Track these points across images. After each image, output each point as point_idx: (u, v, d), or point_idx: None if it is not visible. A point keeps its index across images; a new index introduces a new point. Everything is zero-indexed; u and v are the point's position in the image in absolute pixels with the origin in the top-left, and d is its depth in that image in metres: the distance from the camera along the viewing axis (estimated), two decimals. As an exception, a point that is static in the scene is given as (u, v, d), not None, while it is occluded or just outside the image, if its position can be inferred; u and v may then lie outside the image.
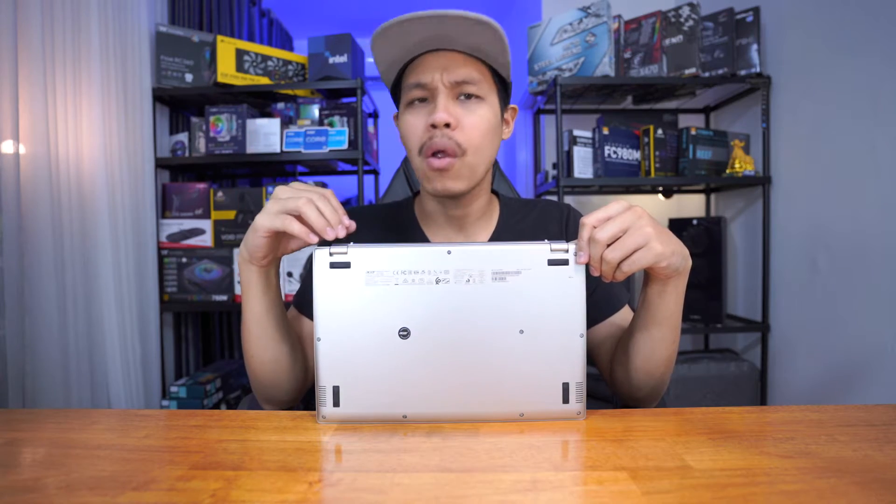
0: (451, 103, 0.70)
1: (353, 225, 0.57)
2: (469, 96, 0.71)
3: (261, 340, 0.65)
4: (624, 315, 0.77)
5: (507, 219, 0.83)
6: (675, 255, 0.56)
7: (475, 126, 0.70)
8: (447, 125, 0.68)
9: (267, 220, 0.57)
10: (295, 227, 0.56)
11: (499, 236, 0.81)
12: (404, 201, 0.87)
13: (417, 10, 0.66)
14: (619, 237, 0.54)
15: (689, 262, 0.59)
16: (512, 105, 0.79)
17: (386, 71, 0.74)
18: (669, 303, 0.61)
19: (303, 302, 0.77)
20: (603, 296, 0.76)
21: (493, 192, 0.86)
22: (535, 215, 0.84)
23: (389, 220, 0.84)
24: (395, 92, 0.77)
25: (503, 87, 0.76)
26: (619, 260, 0.54)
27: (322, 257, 0.55)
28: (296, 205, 0.56)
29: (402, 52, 0.70)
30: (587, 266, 0.55)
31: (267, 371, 0.67)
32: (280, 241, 0.62)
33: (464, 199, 0.76)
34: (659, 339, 0.63)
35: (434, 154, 0.70)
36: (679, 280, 0.60)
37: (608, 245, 0.54)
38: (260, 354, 0.66)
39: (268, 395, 0.69)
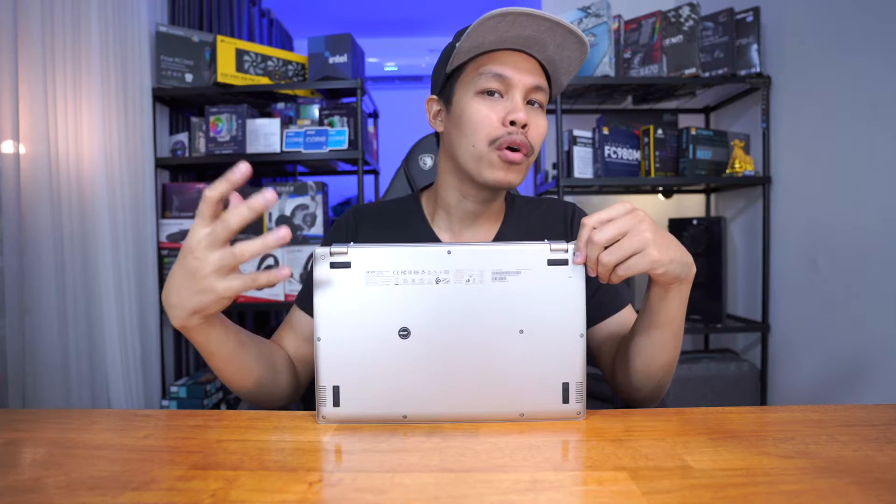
0: (524, 105, 0.72)
1: (284, 235, 0.51)
2: (533, 103, 0.74)
3: (240, 373, 0.63)
4: (625, 315, 0.77)
5: (511, 217, 0.83)
6: (672, 264, 0.55)
7: (539, 133, 0.74)
8: (524, 125, 0.71)
9: (225, 284, 0.52)
10: (262, 279, 0.52)
11: (503, 234, 0.81)
12: (410, 197, 0.88)
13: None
14: (618, 240, 0.54)
15: (693, 271, 0.59)
16: None
17: (466, 51, 0.73)
18: (671, 308, 0.61)
19: (306, 299, 0.77)
20: (605, 296, 0.76)
21: None
22: (540, 213, 0.85)
23: (395, 216, 0.84)
24: (451, 76, 0.77)
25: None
26: (615, 263, 0.54)
27: (322, 257, 0.56)
28: (234, 259, 0.52)
29: (495, 40, 0.71)
30: (586, 266, 0.56)
31: (253, 393, 0.66)
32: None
33: (495, 195, 0.78)
34: (660, 343, 0.63)
35: (508, 148, 0.71)
36: (681, 287, 0.59)
37: (606, 247, 0.54)
38: (241, 385, 0.64)
39: (259, 404, 0.69)
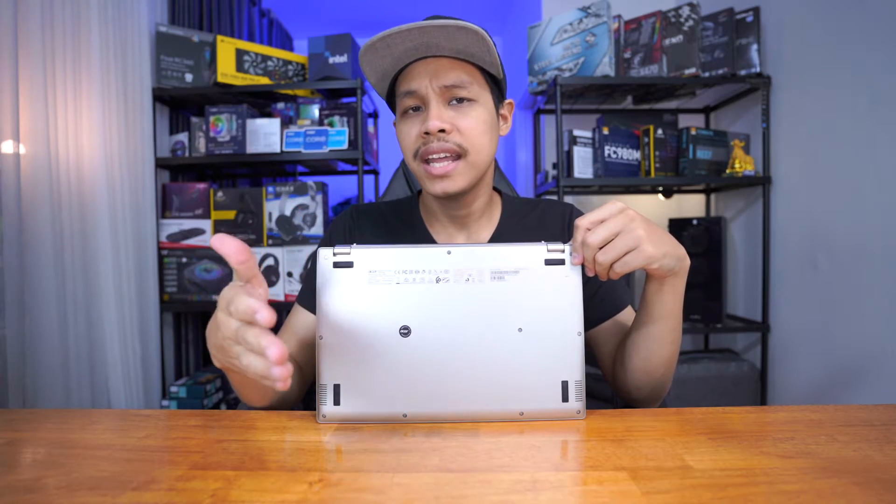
0: (444, 109, 0.70)
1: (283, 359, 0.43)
2: (461, 100, 0.71)
3: (262, 393, 0.62)
4: (626, 316, 0.77)
5: (508, 217, 0.83)
6: (667, 258, 0.57)
7: (471, 128, 0.71)
8: (442, 130, 0.69)
9: (226, 362, 0.49)
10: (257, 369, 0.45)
11: (500, 235, 0.81)
12: (408, 199, 0.88)
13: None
14: (612, 240, 0.55)
15: (686, 263, 0.60)
16: (508, 100, 0.80)
17: (378, 83, 0.75)
18: (667, 301, 0.62)
19: (308, 297, 0.77)
20: (605, 296, 0.77)
21: (496, 189, 0.86)
22: (537, 214, 0.85)
23: (394, 218, 0.85)
24: (391, 101, 0.79)
25: (496, 85, 0.76)
26: (611, 262, 0.56)
27: (326, 257, 0.56)
28: (234, 364, 0.47)
29: (391, 62, 0.71)
30: (583, 266, 0.57)
31: (267, 406, 0.66)
32: None
33: (465, 199, 0.77)
34: (657, 338, 0.64)
35: (428, 160, 0.71)
36: (676, 280, 0.61)
37: (601, 247, 0.55)
38: (261, 403, 0.64)
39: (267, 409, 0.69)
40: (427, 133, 0.69)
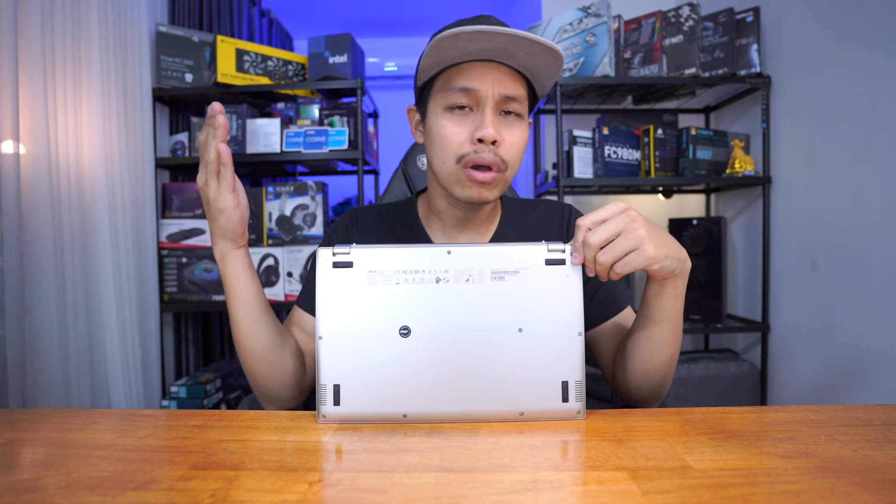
0: (496, 118, 0.69)
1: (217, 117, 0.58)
2: (509, 113, 0.70)
3: (251, 327, 0.66)
4: (626, 316, 0.77)
5: (508, 219, 0.83)
6: (668, 259, 0.57)
7: (515, 144, 0.70)
8: (493, 142, 0.68)
9: (212, 185, 0.61)
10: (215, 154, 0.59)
11: (500, 236, 0.81)
12: (406, 201, 0.88)
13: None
14: (613, 240, 0.55)
15: (688, 265, 0.60)
16: (529, 119, 0.79)
17: (430, 67, 0.71)
18: (667, 303, 0.62)
19: (309, 299, 0.77)
20: (605, 297, 0.77)
21: None
22: (537, 215, 0.85)
23: (392, 219, 0.85)
24: (425, 88, 0.75)
25: (532, 106, 0.76)
26: (612, 262, 0.55)
27: (325, 257, 0.56)
28: (213, 167, 0.60)
29: (458, 55, 0.68)
30: (583, 266, 0.57)
31: (260, 361, 0.66)
32: (239, 206, 0.63)
33: (480, 204, 0.76)
34: (658, 339, 0.64)
35: (476, 167, 0.69)
36: (677, 282, 0.60)
37: (602, 247, 0.55)
38: (252, 344, 0.66)
39: (266, 389, 0.68)
40: (480, 140, 0.67)
